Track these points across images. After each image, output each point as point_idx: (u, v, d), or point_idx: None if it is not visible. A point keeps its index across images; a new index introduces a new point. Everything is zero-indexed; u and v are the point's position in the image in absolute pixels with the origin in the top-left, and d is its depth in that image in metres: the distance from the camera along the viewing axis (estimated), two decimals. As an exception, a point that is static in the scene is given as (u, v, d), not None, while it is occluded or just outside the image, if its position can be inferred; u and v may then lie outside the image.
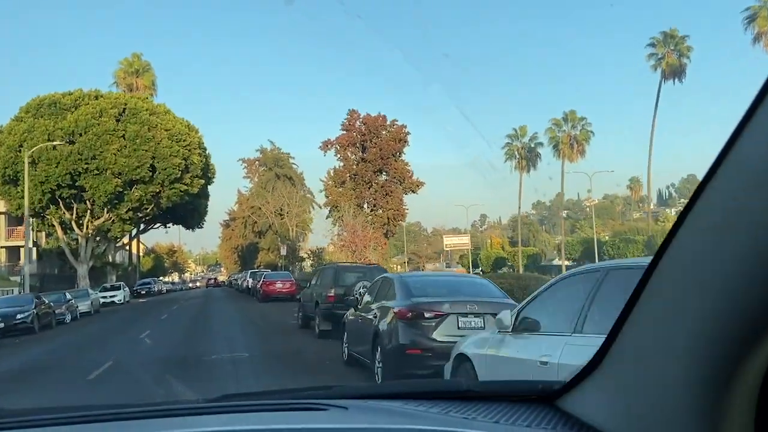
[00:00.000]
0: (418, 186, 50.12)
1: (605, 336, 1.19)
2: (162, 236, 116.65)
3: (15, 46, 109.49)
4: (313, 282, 16.56)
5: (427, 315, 7.58)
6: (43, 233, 46.92)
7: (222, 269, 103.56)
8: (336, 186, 50.06)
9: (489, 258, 79.37)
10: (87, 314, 28.58)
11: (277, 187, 56.40)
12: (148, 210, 41.04)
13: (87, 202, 39.23)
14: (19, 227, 46.88)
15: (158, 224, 52.12)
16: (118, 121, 37.87)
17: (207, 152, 43.82)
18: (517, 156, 65.15)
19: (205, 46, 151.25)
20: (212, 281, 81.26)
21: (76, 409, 1.71)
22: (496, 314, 5.48)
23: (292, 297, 28.99)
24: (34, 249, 48.27)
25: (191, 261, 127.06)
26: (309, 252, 32.93)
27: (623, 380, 1.14)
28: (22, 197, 34.79)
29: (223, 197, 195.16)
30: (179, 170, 38.81)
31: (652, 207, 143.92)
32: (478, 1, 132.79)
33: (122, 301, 38.58)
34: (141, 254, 78.19)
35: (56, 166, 35.93)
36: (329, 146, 50.28)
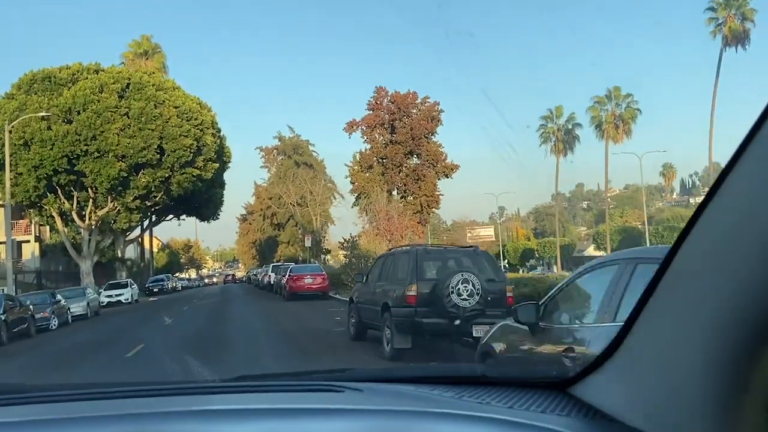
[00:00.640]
0: (452, 170, 44.73)
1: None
2: (177, 230, 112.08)
3: (16, 31, 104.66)
4: (374, 275, 11.33)
5: None
6: (47, 227, 42.08)
7: (240, 265, 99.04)
8: (362, 171, 44.84)
9: (516, 250, 73.97)
10: (82, 317, 23.64)
11: (298, 174, 51.19)
12: (157, 198, 36.04)
13: (89, 189, 34.34)
14: (21, 221, 42.20)
15: (171, 216, 47.20)
16: (121, 97, 32.89)
17: (221, 134, 38.73)
18: (554, 138, 59.50)
19: (218, 31, 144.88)
20: (230, 277, 76.44)
21: (95, 386, 1.76)
22: None
23: (324, 294, 23.84)
24: (37, 244, 43.63)
25: (209, 257, 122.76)
26: (343, 241, 27.57)
27: (638, 369, 1.12)
28: (13, 184, 29.98)
29: (239, 192, 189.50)
30: (190, 152, 33.77)
31: (675, 197, 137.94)
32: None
33: (129, 301, 33.67)
34: (155, 249, 73.67)
35: (51, 148, 31.03)
36: (354, 127, 45.05)
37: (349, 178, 45.75)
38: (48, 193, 33.38)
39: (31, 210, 35.46)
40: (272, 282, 32.13)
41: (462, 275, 8.58)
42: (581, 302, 4.59)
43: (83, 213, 35.26)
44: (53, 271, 43.14)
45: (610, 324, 3.62)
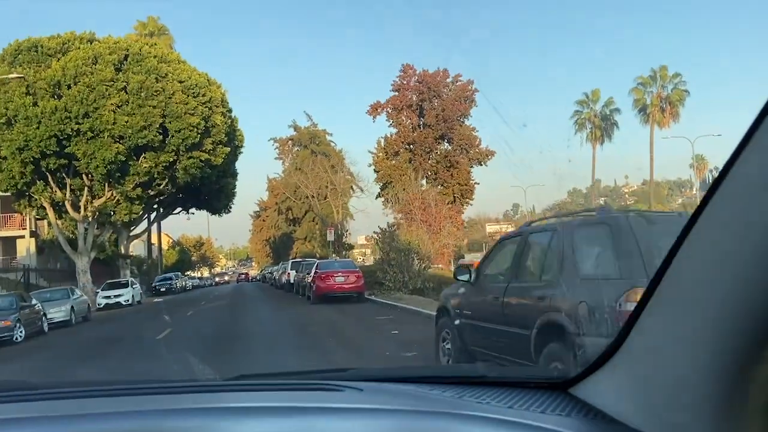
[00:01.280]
0: (487, 156, 39.83)
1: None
2: (188, 228, 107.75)
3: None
4: (500, 269, 6.43)
5: None
6: (46, 221, 37.53)
7: (253, 263, 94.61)
8: (388, 158, 40.04)
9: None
10: (64, 324, 19.05)
11: (316, 163, 46.39)
12: (161, 186, 31.39)
13: (83, 176, 29.77)
14: (15, 214, 37.79)
15: (178, 209, 42.65)
16: (117, 70, 28.25)
17: (233, 114, 33.96)
18: (590, 125, 54.35)
19: (228, 15, 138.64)
20: (243, 276, 71.83)
21: (99, 383, 1.79)
22: None
23: (359, 295, 19.07)
24: (32, 240, 39.20)
25: (222, 256, 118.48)
26: (379, 230, 22.71)
27: (639, 369, 1.10)
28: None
29: (252, 188, 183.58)
30: (197, 133, 29.07)
31: (695, 192, 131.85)
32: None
33: (130, 302, 29.12)
34: (165, 246, 69.25)
35: (37, 127, 26.44)
36: (379, 110, 40.24)
37: (373, 167, 41.05)
38: (37, 180, 28.83)
39: (21, 200, 30.89)
40: (292, 281, 27.36)
41: None
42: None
43: (78, 203, 30.70)
44: (50, 270, 38.68)
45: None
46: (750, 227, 0.80)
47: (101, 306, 28.49)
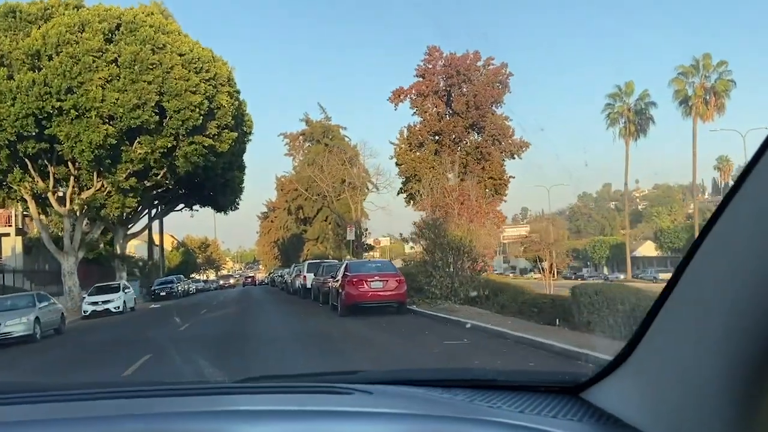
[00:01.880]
0: (521, 148, 35.44)
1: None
2: (194, 229, 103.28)
3: None
4: None
5: None
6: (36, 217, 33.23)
7: (260, 266, 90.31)
8: (411, 150, 35.70)
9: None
10: (24, 340, 14.73)
11: (331, 156, 42.03)
12: (159, 177, 27.16)
13: (69, 164, 25.59)
14: (2, 210, 33.60)
15: (181, 205, 38.38)
16: (108, 41, 24.07)
17: (240, 97, 29.63)
18: (623, 120, 49.87)
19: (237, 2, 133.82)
20: (249, 280, 67.41)
21: (109, 385, 1.77)
22: None
23: (401, 305, 14.67)
24: (19, 238, 34.97)
25: (229, 258, 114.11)
26: (421, 223, 18.19)
27: (652, 374, 1.08)
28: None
29: (260, 189, 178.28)
30: (200, 114, 24.82)
31: (707, 197, 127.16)
32: None
33: (120, 309, 24.81)
34: (169, 247, 65.05)
35: (12, 104, 22.25)
36: (402, 96, 35.90)
37: (395, 159, 36.69)
38: (14, 168, 24.64)
39: (-1, 192, 26.71)
40: (309, 285, 22.96)
41: None
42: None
43: (64, 195, 26.52)
44: (37, 271, 34.47)
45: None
46: (763, 235, 0.78)
47: (87, 313, 24.24)
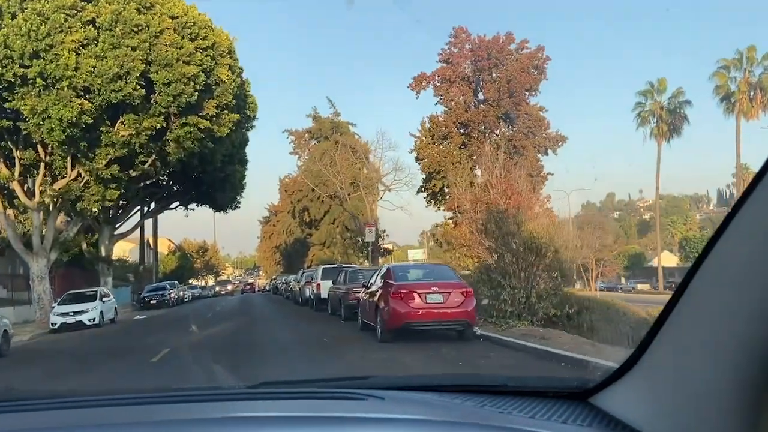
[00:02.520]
0: (557, 142, 31.17)
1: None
2: (191, 231, 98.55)
3: None
4: None
5: None
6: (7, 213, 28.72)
7: (261, 273, 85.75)
8: (434, 142, 31.39)
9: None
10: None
11: (342, 154, 37.61)
12: (146, 164, 22.79)
13: (38, 147, 21.22)
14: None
15: (176, 204, 33.95)
16: (86, -1, 19.78)
17: (243, 73, 25.23)
18: (655, 119, 45.58)
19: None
20: (248, 287, 62.72)
21: (120, 392, 1.74)
22: None
23: (468, 328, 10.21)
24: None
25: (228, 264, 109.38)
26: (485, 213, 13.74)
27: (662, 379, 1.07)
28: None
29: (262, 192, 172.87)
30: (194, 89, 20.49)
31: (712, 207, 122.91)
32: None
33: (96, 321, 20.40)
34: (165, 251, 60.55)
35: (-38, 70, 17.91)
36: (424, 83, 31.65)
37: (415, 153, 32.35)
38: (-30, 151, 20.29)
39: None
40: (324, 295, 18.49)
41: None
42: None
43: (33, 185, 22.14)
44: (11, 275, 29.94)
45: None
46: None
47: (56, 326, 19.86)
